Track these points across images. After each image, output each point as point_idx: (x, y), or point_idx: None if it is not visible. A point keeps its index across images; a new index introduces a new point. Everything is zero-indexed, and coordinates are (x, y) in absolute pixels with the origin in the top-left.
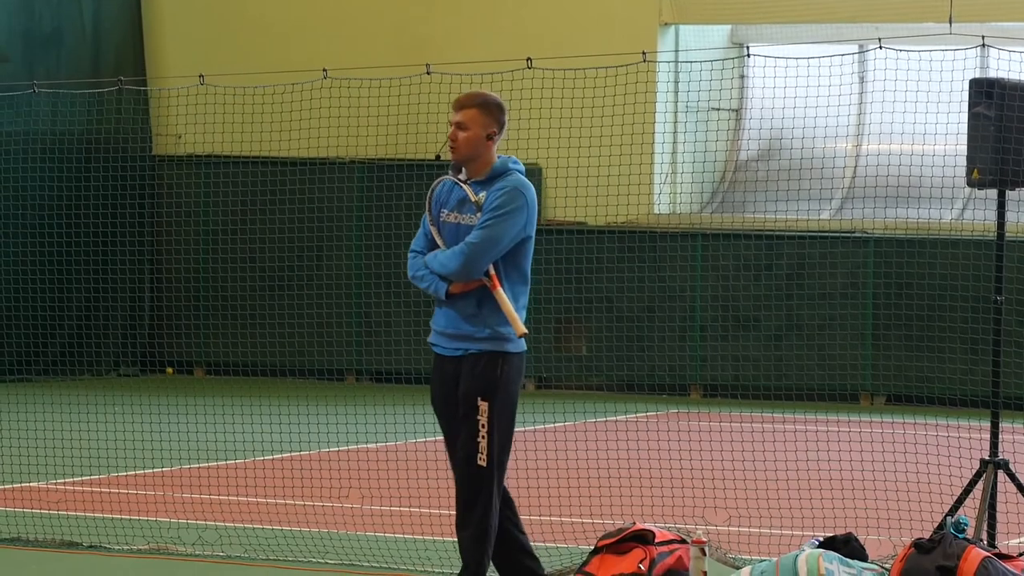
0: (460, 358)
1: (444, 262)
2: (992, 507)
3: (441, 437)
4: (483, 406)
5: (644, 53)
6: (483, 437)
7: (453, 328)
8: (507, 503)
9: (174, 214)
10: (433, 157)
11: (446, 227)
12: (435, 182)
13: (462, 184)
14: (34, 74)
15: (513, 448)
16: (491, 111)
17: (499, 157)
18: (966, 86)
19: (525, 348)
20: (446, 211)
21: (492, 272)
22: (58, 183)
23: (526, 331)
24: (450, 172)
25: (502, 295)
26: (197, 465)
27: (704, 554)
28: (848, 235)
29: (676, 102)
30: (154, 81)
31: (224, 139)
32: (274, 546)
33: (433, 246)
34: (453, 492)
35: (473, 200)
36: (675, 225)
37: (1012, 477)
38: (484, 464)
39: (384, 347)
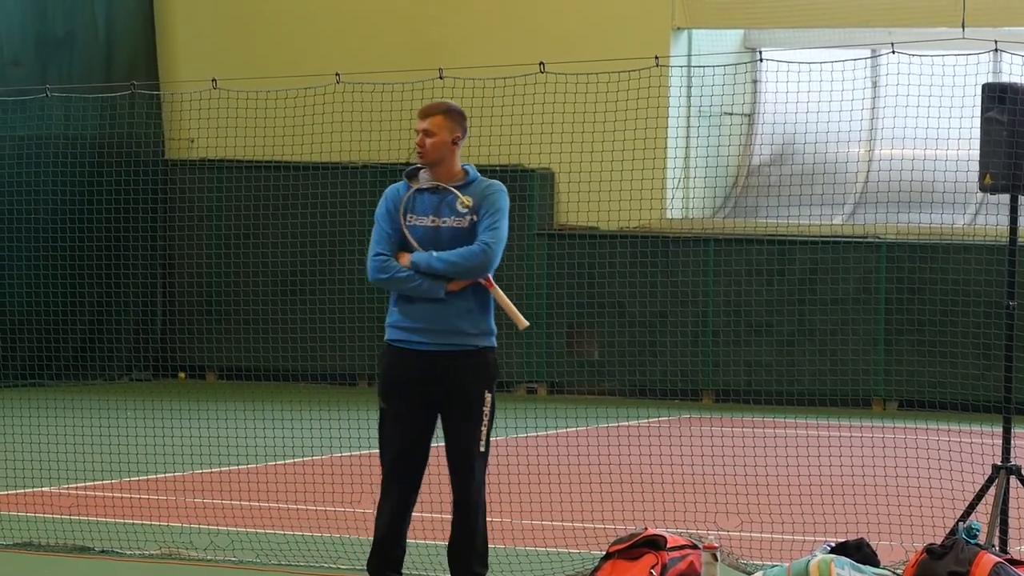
0: (448, 353)
1: (456, 261)
2: (1004, 512)
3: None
4: (488, 398)
5: (657, 57)
6: (485, 426)
7: (442, 324)
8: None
9: (186, 218)
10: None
11: (416, 230)
12: (390, 189)
13: (450, 188)
14: (47, 78)
15: (526, 452)
16: (455, 118)
17: (463, 164)
18: (979, 91)
19: None
20: (414, 215)
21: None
22: (70, 187)
23: (528, 323)
24: (412, 178)
25: (499, 292)
26: (209, 470)
27: (716, 559)
28: (860, 240)
29: (689, 107)
30: (167, 85)
31: (237, 143)
32: (286, 551)
33: (400, 249)
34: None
35: (464, 203)
36: (687, 230)
37: None
38: (483, 450)
39: None
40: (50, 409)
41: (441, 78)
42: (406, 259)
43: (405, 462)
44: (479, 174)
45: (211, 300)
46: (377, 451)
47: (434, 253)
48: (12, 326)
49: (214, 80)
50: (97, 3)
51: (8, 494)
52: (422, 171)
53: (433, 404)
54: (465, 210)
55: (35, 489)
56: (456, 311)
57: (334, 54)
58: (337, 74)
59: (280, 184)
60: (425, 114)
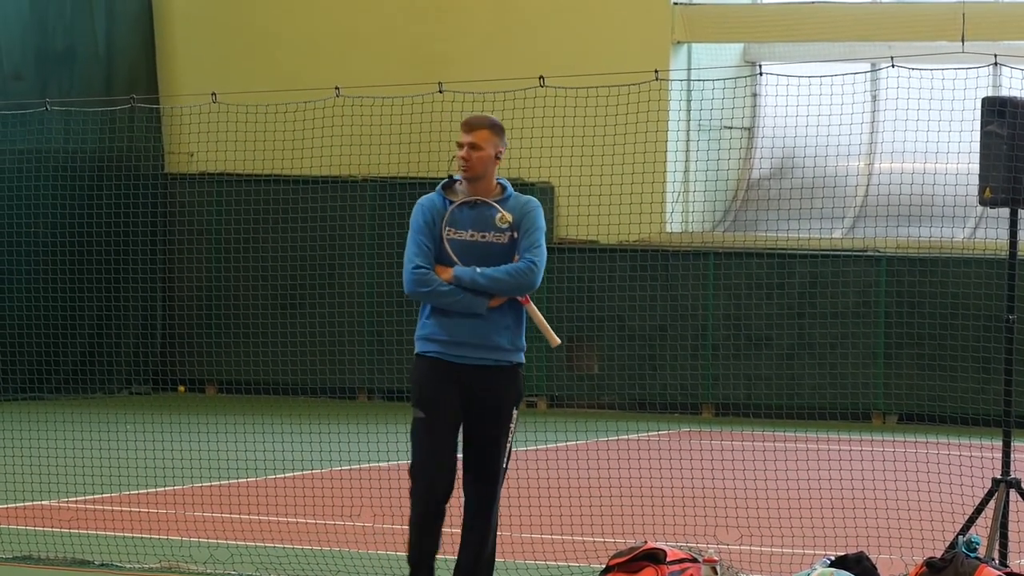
0: (485, 368)
1: (502, 278)
2: (1004, 526)
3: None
4: (515, 414)
5: (656, 72)
6: (509, 442)
7: (481, 339)
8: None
9: (186, 232)
10: (446, 175)
11: (456, 244)
12: (426, 200)
13: (491, 203)
14: (47, 92)
15: (526, 466)
16: (498, 132)
17: (498, 178)
18: (978, 105)
19: None
20: (454, 229)
21: None
22: (70, 201)
23: (560, 341)
24: (448, 190)
25: (534, 308)
26: (209, 483)
27: (716, 573)
28: (860, 254)
29: (688, 121)
30: (166, 99)
31: (236, 157)
32: (285, 564)
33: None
34: (462, 511)
35: (504, 219)
36: (687, 244)
37: None
38: (505, 465)
39: (396, 365)
40: (50, 423)
41: (441, 92)
42: (448, 273)
43: (440, 469)
44: (513, 189)
45: (211, 313)
46: (378, 465)
47: (478, 269)
48: (12, 339)
49: (214, 94)
50: (97, 18)
51: (8, 507)
52: (458, 183)
53: (462, 416)
54: (505, 226)
55: (35, 503)
56: (494, 326)
57: (334, 68)
58: (337, 88)
59: (280, 198)
60: (470, 127)
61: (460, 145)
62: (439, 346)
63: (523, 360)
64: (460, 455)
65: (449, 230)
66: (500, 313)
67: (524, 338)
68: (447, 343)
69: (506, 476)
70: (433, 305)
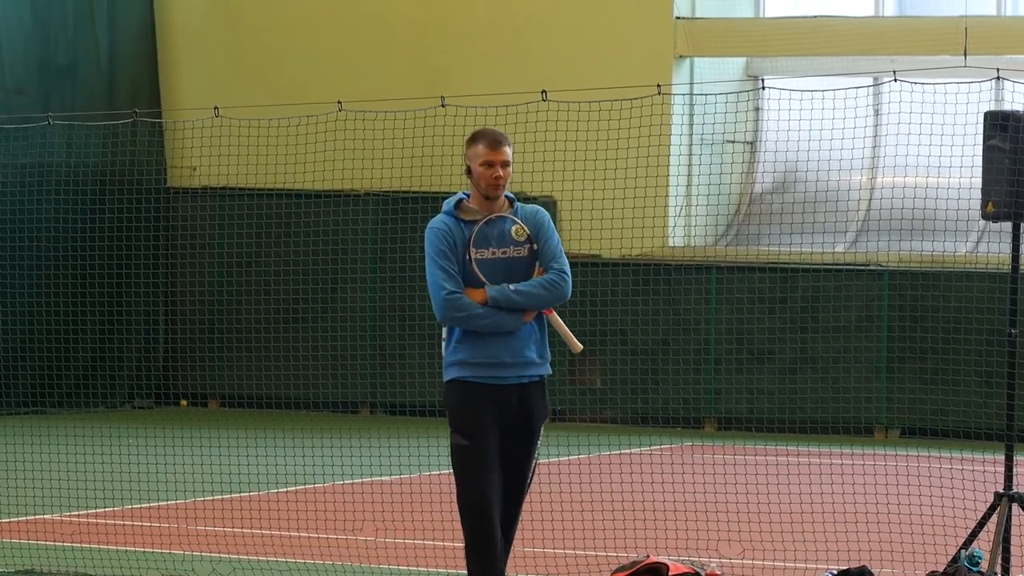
0: (523, 386)
1: (536, 292)
2: (1006, 540)
3: None
4: (541, 429)
5: (659, 86)
6: (535, 458)
7: (516, 357)
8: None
9: (188, 246)
10: (447, 189)
11: (482, 264)
12: (438, 223)
13: (508, 217)
14: (49, 106)
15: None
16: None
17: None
18: (981, 119)
19: None
20: (476, 249)
21: None
22: (73, 215)
23: (582, 347)
24: (460, 211)
25: (556, 317)
26: (211, 497)
27: None
28: (863, 268)
29: (691, 135)
30: (169, 113)
31: (239, 171)
32: None
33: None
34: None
35: (521, 232)
36: (690, 258)
37: None
38: (530, 480)
39: (399, 380)
40: (52, 436)
41: (443, 106)
42: (480, 295)
43: (491, 494)
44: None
45: (213, 327)
46: (380, 479)
47: (510, 286)
48: (14, 353)
49: (216, 108)
50: (100, 31)
51: (10, 521)
52: (466, 201)
53: (501, 434)
54: (523, 238)
55: (37, 516)
56: (524, 341)
57: (336, 82)
58: (339, 102)
59: (282, 212)
60: (498, 144)
61: (490, 164)
62: (476, 369)
63: (550, 371)
64: None
65: (473, 251)
66: (529, 328)
67: (546, 349)
68: (483, 365)
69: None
70: (467, 329)
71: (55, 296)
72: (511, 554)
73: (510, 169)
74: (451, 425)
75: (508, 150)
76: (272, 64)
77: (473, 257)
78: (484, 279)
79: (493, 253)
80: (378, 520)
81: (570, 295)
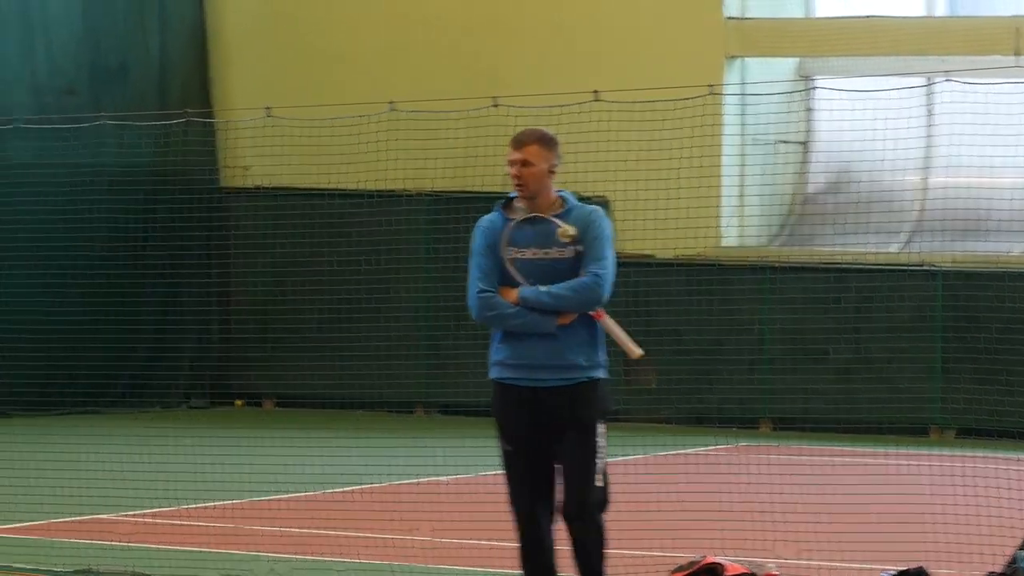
0: (562, 388)
1: (567, 295)
2: None
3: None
4: (602, 428)
5: (711, 86)
6: (600, 459)
7: (556, 360)
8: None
9: (241, 246)
10: (498, 190)
11: (519, 264)
12: (484, 221)
13: (538, 221)
14: (101, 106)
15: None
16: (550, 146)
17: (558, 191)
18: None
19: None
20: (515, 248)
21: None
22: (125, 215)
23: (641, 352)
24: (508, 210)
25: (610, 322)
26: (267, 498)
27: None
28: (916, 268)
29: (743, 135)
30: (221, 113)
31: (291, 171)
32: None
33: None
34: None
35: (565, 233)
36: (743, 258)
37: None
38: (601, 484)
39: (452, 380)
40: (108, 436)
41: (495, 107)
42: (513, 295)
43: (535, 498)
44: (577, 201)
45: (267, 327)
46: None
47: (541, 287)
48: (70, 354)
49: (268, 108)
50: (151, 32)
51: (68, 521)
52: (516, 200)
53: (551, 437)
54: (568, 240)
55: (94, 516)
56: (568, 345)
57: (387, 82)
58: (391, 102)
59: (334, 212)
60: (519, 144)
61: (511, 163)
62: (512, 371)
63: (604, 375)
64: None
65: (511, 250)
66: (573, 330)
67: (604, 352)
68: (520, 366)
69: (606, 500)
70: (503, 329)
71: (109, 296)
72: (556, 553)
73: (536, 168)
74: (496, 429)
75: (533, 149)
76: (323, 64)
77: (512, 256)
78: (520, 279)
79: (535, 254)
80: (434, 520)
81: (606, 300)
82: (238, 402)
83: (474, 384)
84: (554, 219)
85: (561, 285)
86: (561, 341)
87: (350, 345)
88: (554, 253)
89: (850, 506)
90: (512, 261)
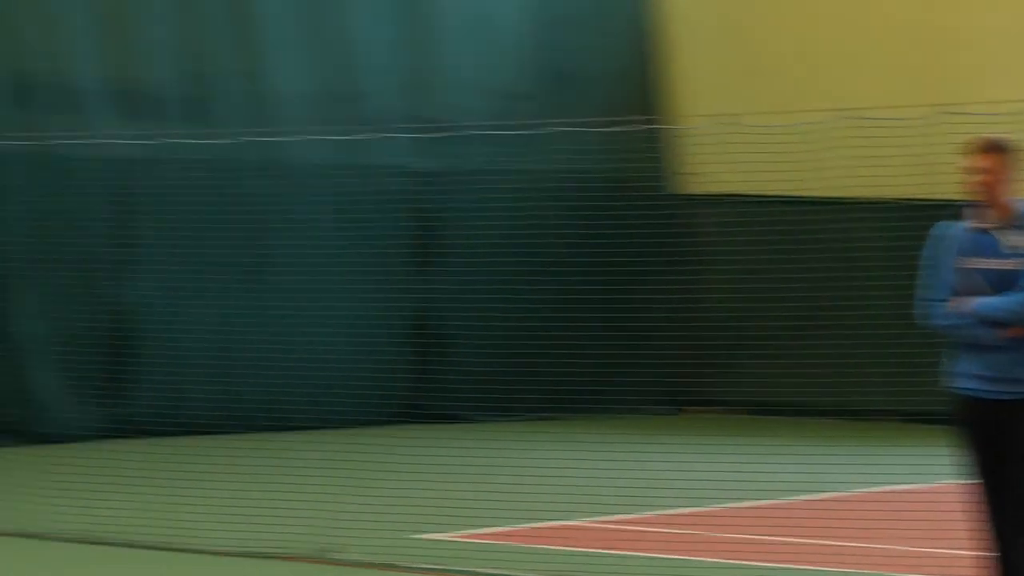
0: (1010, 403)
1: (1012, 308)
2: None
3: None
4: None
5: None
6: None
7: (1008, 373)
8: None
9: (702, 253)
10: (954, 198)
11: (972, 273)
12: (941, 228)
13: (992, 230)
14: (554, 113)
15: None
16: (1008, 153)
17: (1015, 199)
18: None
19: None
20: (970, 257)
21: None
22: (577, 220)
23: None
24: (965, 218)
25: None
26: (731, 505)
27: None
28: None
29: None
30: (673, 120)
31: (747, 178)
32: None
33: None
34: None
35: (1012, 243)
36: None
37: None
38: None
39: (917, 388)
40: (570, 443)
41: (952, 114)
42: (967, 305)
43: (987, 509)
44: None
45: (727, 335)
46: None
47: (993, 300)
48: (525, 362)
49: (723, 115)
50: (600, 40)
51: (539, 527)
52: (972, 208)
53: (998, 451)
54: (1015, 250)
55: (563, 523)
56: (1014, 359)
57: (840, 87)
58: (841, 110)
59: (792, 219)
60: (980, 150)
61: (970, 170)
62: (962, 380)
63: None
64: None
65: (964, 259)
66: (1018, 345)
67: None
68: (978, 378)
69: None
70: (955, 338)
71: (564, 305)
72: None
73: (994, 177)
74: (957, 439)
75: (990, 157)
76: (775, 69)
77: (960, 265)
78: (968, 288)
79: (987, 263)
80: (893, 528)
81: None
82: (708, 410)
83: (933, 392)
84: (1006, 228)
85: (1008, 297)
86: (1007, 354)
87: (816, 353)
88: (1002, 263)
89: None
90: (965, 271)
